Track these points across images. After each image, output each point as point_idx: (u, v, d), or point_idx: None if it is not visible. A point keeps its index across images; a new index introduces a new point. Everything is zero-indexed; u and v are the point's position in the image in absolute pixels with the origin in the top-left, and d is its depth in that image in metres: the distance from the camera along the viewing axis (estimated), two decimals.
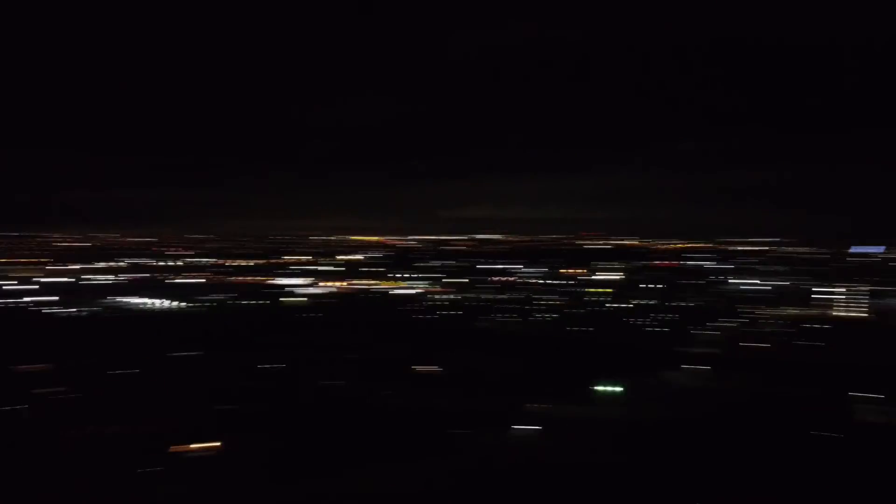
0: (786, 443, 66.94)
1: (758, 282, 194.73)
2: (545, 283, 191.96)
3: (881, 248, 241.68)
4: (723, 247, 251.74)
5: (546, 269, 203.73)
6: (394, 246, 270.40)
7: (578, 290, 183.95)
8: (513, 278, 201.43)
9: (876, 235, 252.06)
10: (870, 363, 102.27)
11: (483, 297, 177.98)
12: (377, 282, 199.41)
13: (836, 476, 57.85)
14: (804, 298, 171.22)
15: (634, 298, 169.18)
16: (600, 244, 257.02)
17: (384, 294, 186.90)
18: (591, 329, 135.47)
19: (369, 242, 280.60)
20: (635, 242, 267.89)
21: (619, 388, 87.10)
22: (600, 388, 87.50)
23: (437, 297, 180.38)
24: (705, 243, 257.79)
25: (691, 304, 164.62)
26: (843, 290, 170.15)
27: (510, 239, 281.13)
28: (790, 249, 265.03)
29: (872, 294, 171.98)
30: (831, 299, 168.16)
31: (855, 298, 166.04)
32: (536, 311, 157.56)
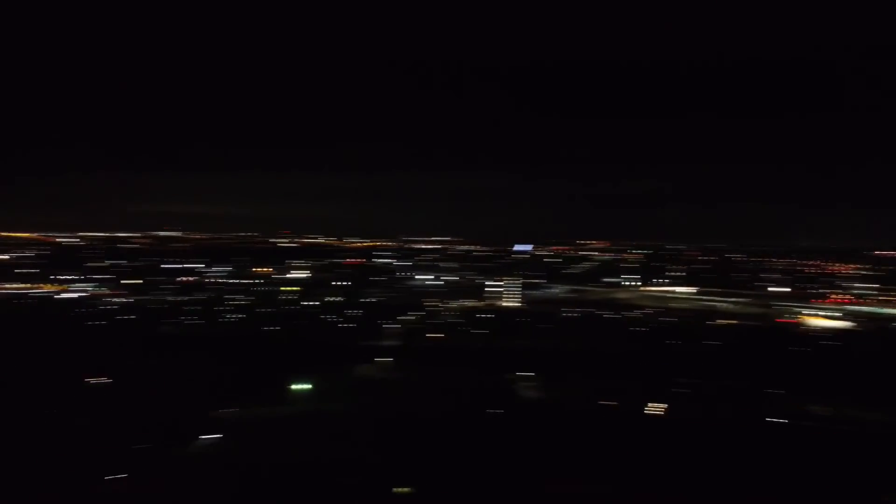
0: (462, 420, 74.45)
1: (436, 277, 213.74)
2: (234, 283, 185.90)
3: (530, 247, 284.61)
4: (407, 245, 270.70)
5: (234, 269, 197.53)
6: (52, 243, 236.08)
7: (270, 289, 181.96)
8: (196, 278, 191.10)
9: (528, 235, 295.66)
10: (524, 347, 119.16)
11: (168, 298, 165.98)
12: (32, 285, 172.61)
13: (500, 444, 66.29)
14: (477, 291, 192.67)
15: (325, 296, 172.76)
16: (291, 242, 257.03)
17: (47, 299, 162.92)
18: (283, 328, 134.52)
19: (21, 240, 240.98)
20: (326, 241, 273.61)
21: (310, 385, 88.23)
22: (292, 386, 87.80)
23: (110, 300, 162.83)
24: (391, 241, 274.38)
25: (379, 300, 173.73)
26: (503, 283, 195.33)
27: (194, 236, 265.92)
28: (464, 247, 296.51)
29: (525, 286, 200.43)
30: (498, 291, 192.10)
31: (513, 290, 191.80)
32: (225, 311, 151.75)
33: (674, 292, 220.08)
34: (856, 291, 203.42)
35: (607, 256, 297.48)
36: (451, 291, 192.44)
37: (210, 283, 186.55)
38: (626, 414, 78.99)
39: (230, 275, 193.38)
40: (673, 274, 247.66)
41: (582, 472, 60.16)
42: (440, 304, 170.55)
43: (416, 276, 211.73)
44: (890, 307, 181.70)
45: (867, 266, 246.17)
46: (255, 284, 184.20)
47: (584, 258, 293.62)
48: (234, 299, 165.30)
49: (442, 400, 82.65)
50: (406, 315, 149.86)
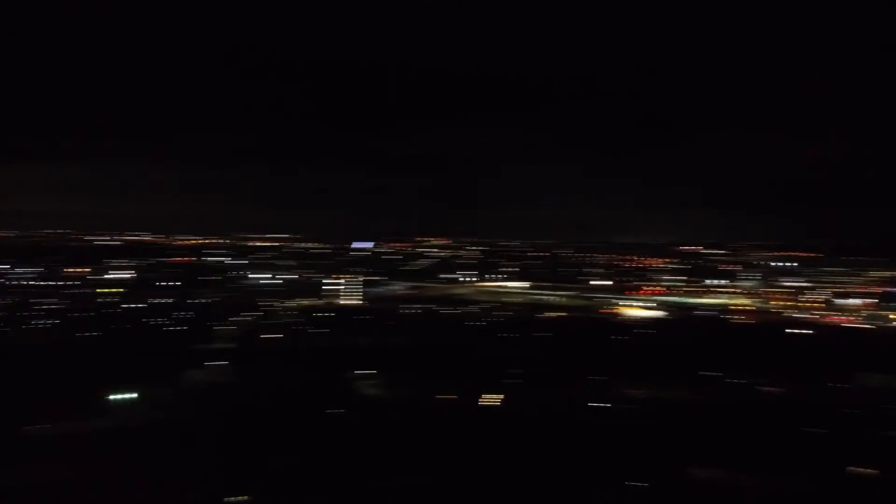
0: (301, 421, 72.58)
1: (273, 276, 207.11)
2: (44, 285, 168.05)
3: (371, 244, 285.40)
4: (241, 242, 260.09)
5: (44, 269, 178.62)
6: None
7: (86, 291, 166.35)
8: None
9: (369, 232, 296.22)
10: (364, 344, 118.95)
11: None
12: None
13: (340, 444, 65.41)
14: (315, 290, 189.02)
15: (151, 297, 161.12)
16: (112, 240, 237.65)
17: None
18: (101, 333, 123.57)
19: None
20: (151, 238, 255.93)
21: (133, 395, 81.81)
22: (114, 396, 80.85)
23: None
24: (224, 239, 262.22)
25: (211, 300, 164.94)
26: (342, 280, 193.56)
27: None
28: (303, 245, 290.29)
29: (365, 283, 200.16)
30: (338, 289, 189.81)
31: (352, 288, 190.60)
32: (33, 317, 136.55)
33: (507, 287, 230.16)
34: (665, 283, 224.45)
35: (445, 253, 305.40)
36: (288, 290, 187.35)
37: (14, 285, 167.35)
38: (462, 406, 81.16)
39: (39, 276, 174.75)
40: (506, 270, 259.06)
41: (418, 466, 60.90)
42: (277, 304, 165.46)
43: (251, 275, 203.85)
44: (693, 297, 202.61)
45: (674, 260, 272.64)
46: (68, 286, 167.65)
47: (423, 255, 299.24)
48: (43, 303, 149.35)
49: (279, 402, 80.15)
50: (241, 316, 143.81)
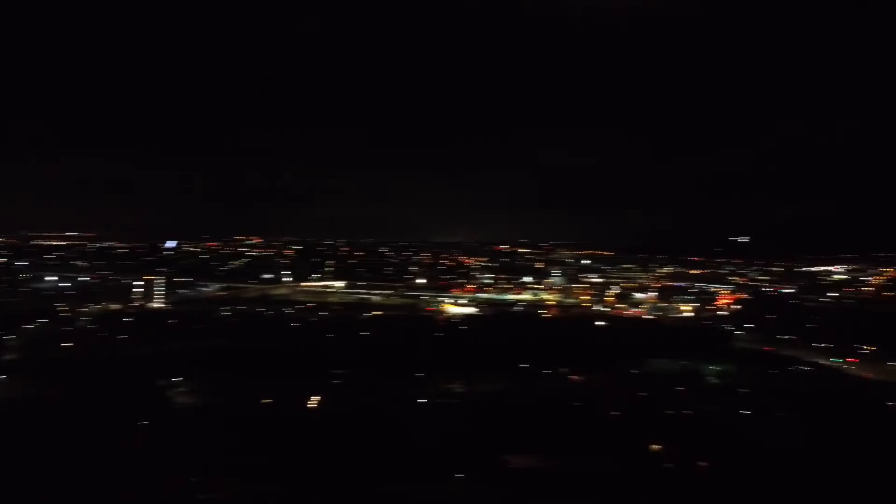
0: (106, 435, 66.46)
1: (68, 278, 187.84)
2: None
3: (174, 243, 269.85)
4: (31, 242, 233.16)
5: None
6: None
7: None
8: None
9: (179, 231, 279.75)
10: (176, 350, 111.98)
11: None
12: None
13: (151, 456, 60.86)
14: (120, 292, 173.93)
15: None
16: None
17: None
18: None
19: None
20: None
21: None
22: None
23: None
24: (8, 238, 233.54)
25: None
26: (149, 282, 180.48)
27: None
28: (104, 244, 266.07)
29: (175, 285, 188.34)
30: (144, 291, 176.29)
31: (160, 289, 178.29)
32: None
33: (330, 287, 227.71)
34: (482, 281, 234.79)
35: (263, 252, 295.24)
36: (86, 294, 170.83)
37: None
38: (284, 410, 79.11)
39: None
40: (328, 269, 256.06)
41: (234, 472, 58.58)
42: (73, 309, 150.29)
43: (46, 278, 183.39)
44: (508, 293, 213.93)
45: (489, 259, 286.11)
46: None
47: (240, 254, 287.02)
48: None
49: (78, 416, 72.68)
50: (30, 323, 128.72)
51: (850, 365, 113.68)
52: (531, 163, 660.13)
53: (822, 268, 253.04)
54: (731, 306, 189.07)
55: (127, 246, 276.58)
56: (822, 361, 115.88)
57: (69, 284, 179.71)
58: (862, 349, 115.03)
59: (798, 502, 53.77)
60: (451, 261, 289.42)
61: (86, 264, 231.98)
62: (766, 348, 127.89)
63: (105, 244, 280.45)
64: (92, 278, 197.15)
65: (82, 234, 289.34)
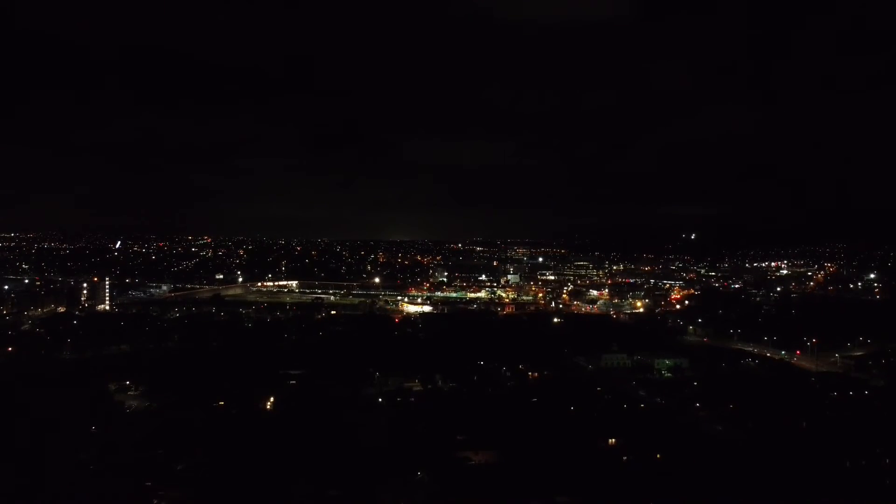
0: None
1: (5, 279, 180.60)
2: None
3: (120, 244, 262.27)
4: None
5: None
6: None
7: None
8: None
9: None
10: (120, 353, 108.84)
11: None
12: None
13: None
14: (69, 294, 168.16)
15: None
16: None
17: None
18: None
19: None
20: None
21: None
22: None
23: None
24: None
25: None
26: (99, 283, 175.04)
27: None
28: (49, 244, 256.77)
29: (120, 287, 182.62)
30: (91, 293, 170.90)
31: (107, 291, 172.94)
32: None
33: (284, 287, 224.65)
34: (438, 280, 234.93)
35: (214, 252, 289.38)
36: (31, 296, 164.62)
37: None
38: (237, 412, 77.52)
39: None
40: (282, 269, 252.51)
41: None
42: (18, 312, 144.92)
43: None
44: (462, 291, 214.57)
45: (444, 257, 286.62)
46: None
47: (190, 254, 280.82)
48: None
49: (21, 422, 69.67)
50: None
51: (795, 357, 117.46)
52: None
53: (768, 263, 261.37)
54: (683, 302, 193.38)
55: (71, 246, 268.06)
56: (769, 354, 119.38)
57: (8, 287, 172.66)
58: (807, 341, 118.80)
59: (747, 492, 55.07)
60: (406, 260, 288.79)
61: (28, 266, 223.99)
62: (716, 342, 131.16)
63: (48, 245, 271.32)
64: (36, 281, 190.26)
65: (21, 235, 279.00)
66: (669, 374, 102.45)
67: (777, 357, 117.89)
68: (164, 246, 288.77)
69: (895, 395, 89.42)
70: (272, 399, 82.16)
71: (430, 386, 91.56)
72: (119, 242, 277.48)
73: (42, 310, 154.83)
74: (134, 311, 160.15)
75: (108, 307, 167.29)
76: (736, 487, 55.33)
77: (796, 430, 71.43)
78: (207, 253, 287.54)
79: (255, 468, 59.31)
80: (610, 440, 67.53)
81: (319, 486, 55.66)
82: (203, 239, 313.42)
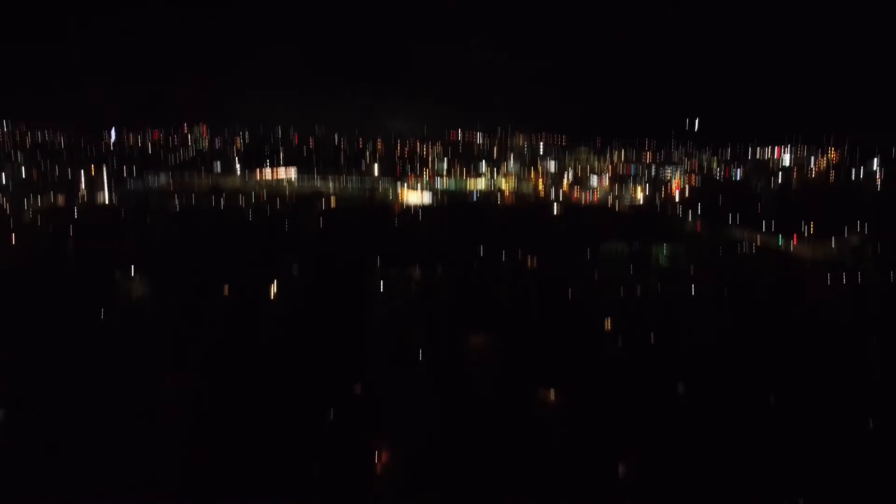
0: None
1: None
2: None
3: (114, 133, 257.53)
4: None
5: None
6: None
7: None
8: None
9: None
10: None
11: None
12: None
13: None
14: (67, 186, 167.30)
15: None
16: None
17: None
18: None
19: None
20: None
21: None
22: None
23: None
24: None
25: None
26: (96, 174, 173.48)
27: None
28: (42, 132, 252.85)
29: (117, 178, 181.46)
30: (89, 185, 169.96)
31: (104, 183, 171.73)
32: None
33: (283, 177, 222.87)
34: (437, 169, 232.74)
35: (211, 141, 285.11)
36: (28, 188, 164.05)
37: None
38: (243, 300, 79.13)
39: None
40: (279, 158, 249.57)
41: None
42: (16, 204, 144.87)
43: None
44: (462, 181, 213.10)
45: (443, 147, 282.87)
46: None
47: (187, 144, 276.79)
48: None
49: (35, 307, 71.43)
50: None
51: (792, 244, 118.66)
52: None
53: (772, 151, 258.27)
54: (683, 190, 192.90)
55: (66, 136, 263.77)
56: (766, 241, 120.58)
57: (5, 180, 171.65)
58: (803, 230, 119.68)
59: (737, 377, 57.13)
60: (405, 149, 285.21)
61: (23, 157, 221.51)
62: (715, 230, 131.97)
63: (42, 133, 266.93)
64: (33, 172, 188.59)
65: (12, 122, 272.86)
66: (666, 262, 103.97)
67: (774, 245, 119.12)
68: (158, 135, 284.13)
69: (883, 281, 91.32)
70: (275, 287, 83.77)
71: (430, 273, 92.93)
72: (113, 131, 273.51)
73: (41, 202, 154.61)
74: (134, 202, 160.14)
75: (107, 199, 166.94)
76: (723, 368, 57.45)
77: (784, 312, 73.44)
78: (203, 142, 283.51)
79: (262, 353, 61.35)
80: (606, 323, 69.46)
81: (325, 371, 57.66)
82: (198, 126, 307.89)
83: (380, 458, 45.65)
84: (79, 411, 48.73)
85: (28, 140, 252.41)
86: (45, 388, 52.45)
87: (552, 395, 54.21)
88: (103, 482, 40.60)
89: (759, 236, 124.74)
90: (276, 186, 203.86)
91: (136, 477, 41.57)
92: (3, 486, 39.55)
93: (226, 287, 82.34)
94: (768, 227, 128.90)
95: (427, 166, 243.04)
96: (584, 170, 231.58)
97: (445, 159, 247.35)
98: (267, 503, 40.64)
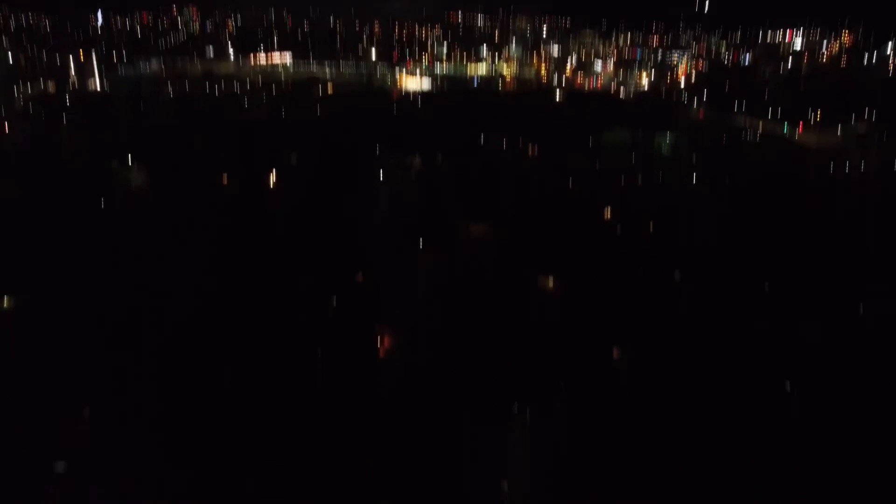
0: None
1: None
2: None
3: (101, 16, 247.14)
4: None
5: None
6: None
7: None
8: None
9: None
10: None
11: None
12: None
13: None
14: (55, 72, 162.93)
15: None
16: None
17: None
18: None
19: None
20: None
21: None
22: None
23: None
24: None
25: None
26: (85, 60, 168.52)
27: None
28: (25, 16, 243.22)
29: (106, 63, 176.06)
30: (78, 71, 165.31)
31: (94, 69, 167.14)
32: None
33: (277, 62, 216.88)
34: (437, 54, 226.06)
35: (202, 25, 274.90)
36: (14, 75, 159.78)
37: None
38: (241, 190, 78.99)
39: None
40: (273, 43, 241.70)
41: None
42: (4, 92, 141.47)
43: None
44: (462, 66, 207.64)
45: (443, 30, 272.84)
46: None
47: (177, 27, 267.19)
48: None
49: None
50: None
51: (798, 132, 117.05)
52: None
53: (783, 34, 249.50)
54: (689, 76, 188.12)
55: (51, 20, 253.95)
56: (771, 129, 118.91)
57: None
58: (810, 117, 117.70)
59: (733, 266, 57.89)
60: (404, 32, 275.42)
61: (7, 41, 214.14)
62: (720, 118, 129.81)
63: (25, 17, 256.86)
64: (21, 57, 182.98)
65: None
66: (669, 151, 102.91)
67: (779, 132, 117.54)
68: (147, 17, 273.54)
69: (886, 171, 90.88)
70: (274, 176, 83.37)
71: (429, 161, 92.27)
72: (100, 14, 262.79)
73: (31, 90, 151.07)
74: (126, 89, 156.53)
75: (98, 86, 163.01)
76: (720, 257, 58.17)
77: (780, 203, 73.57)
78: (194, 26, 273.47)
79: (262, 242, 61.89)
80: (605, 212, 69.69)
81: (326, 260, 58.37)
82: (188, 8, 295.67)
83: (383, 342, 47.09)
84: (82, 300, 49.71)
85: (12, 24, 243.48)
86: (48, 278, 53.27)
87: (550, 282, 55.18)
88: (109, 365, 42.03)
89: (764, 124, 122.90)
90: (270, 72, 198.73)
91: (141, 356, 43.02)
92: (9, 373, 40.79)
93: (224, 176, 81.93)
94: (774, 114, 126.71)
95: (426, 51, 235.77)
96: (588, 54, 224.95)
97: (445, 43, 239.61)
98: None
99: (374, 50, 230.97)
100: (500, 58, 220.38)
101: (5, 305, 49.86)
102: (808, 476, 32.49)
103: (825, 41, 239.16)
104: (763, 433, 35.62)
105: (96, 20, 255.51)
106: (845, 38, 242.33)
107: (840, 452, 33.76)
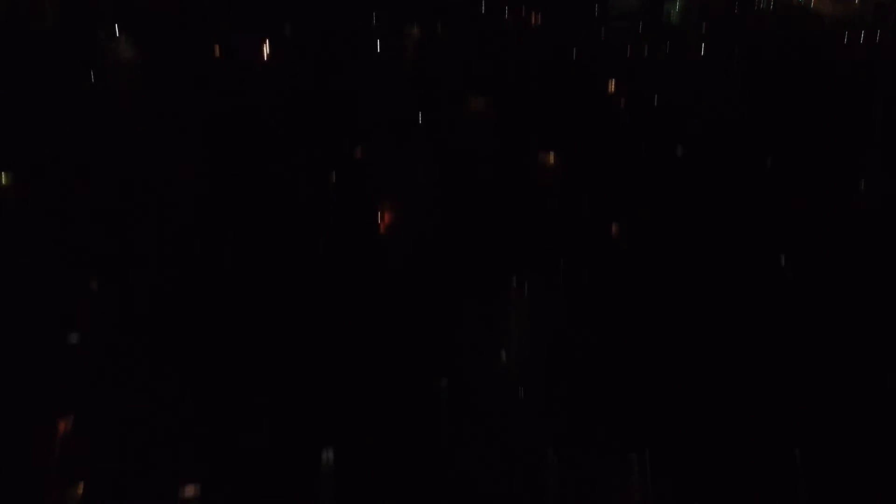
0: None
1: None
2: None
3: None
4: None
5: None
6: None
7: None
8: None
9: None
10: None
11: None
12: None
13: None
14: None
15: None
16: None
17: None
18: None
19: None
20: None
21: None
22: None
23: None
24: None
25: None
26: None
27: None
28: None
29: None
30: None
31: None
32: None
33: None
34: None
35: None
36: None
37: None
38: (236, 60, 76.32)
39: None
40: None
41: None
42: None
43: None
44: None
45: None
46: None
47: None
48: None
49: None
50: None
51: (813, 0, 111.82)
52: None
53: None
54: None
55: None
56: None
57: None
58: None
59: (736, 141, 57.01)
60: None
61: None
62: None
63: None
64: None
65: None
66: (678, 20, 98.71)
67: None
68: None
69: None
70: (267, 48, 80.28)
71: (429, 31, 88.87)
72: None
73: None
74: None
75: None
76: (722, 132, 57.25)
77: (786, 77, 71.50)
78: None
79: (256, 116, 60.59)
80: (609, 85, 67.83)
81: (322, 134, 57.41)
82: None
83: (383, 218, 47.09)
84: (75, 176, 49.06)
85: None
86: (42, 153, 52.37)
87: (551, 157, 54.46)
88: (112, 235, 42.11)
89: None
90: None
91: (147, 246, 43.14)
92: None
93: (217, 47, 78.85)
94: None
95: None
96: None
97: None
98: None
99: None
100: None
101: (4, 182, 49.39)
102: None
103: None
104: (760, 295, 36.29)
105: None
106: None
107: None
